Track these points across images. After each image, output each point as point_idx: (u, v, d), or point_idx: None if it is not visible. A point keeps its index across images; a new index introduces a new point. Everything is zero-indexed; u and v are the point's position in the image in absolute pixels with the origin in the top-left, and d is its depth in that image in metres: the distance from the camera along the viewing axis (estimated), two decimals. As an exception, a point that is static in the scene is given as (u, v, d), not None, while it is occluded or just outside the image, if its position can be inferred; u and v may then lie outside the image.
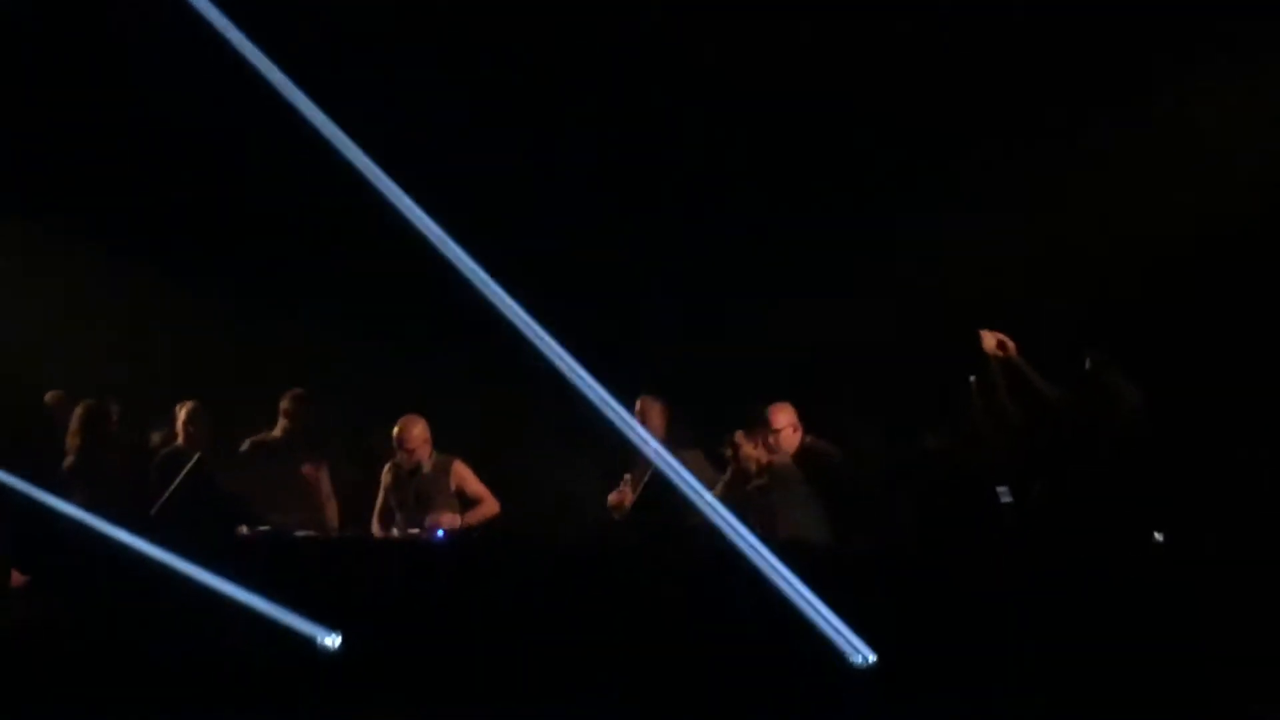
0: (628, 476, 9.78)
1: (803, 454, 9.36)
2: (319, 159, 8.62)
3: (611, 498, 9.85)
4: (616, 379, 8.89)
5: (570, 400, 8.88)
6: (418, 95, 10.80)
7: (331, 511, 10.16)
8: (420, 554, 9.25)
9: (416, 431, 9.82)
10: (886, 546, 8.71)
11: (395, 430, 9.85)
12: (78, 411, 9.84)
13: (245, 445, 10.16)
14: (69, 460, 9.75)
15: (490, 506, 9.82)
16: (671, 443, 9.59)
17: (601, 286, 10.84)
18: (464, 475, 9.89)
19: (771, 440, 9.35)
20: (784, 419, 9.41)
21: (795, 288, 10.65)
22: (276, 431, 10.17)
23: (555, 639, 8.39)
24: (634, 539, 9.23)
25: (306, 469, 10.04)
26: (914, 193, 10.46)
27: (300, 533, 9.50)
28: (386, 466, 9.94)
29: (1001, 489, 8.37)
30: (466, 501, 9.86)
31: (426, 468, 9.84)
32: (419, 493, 9.80)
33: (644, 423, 9.78)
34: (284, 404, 10.18)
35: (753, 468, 9.34)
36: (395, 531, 9.74)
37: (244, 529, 9.30)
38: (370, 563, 9.11)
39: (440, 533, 9.37)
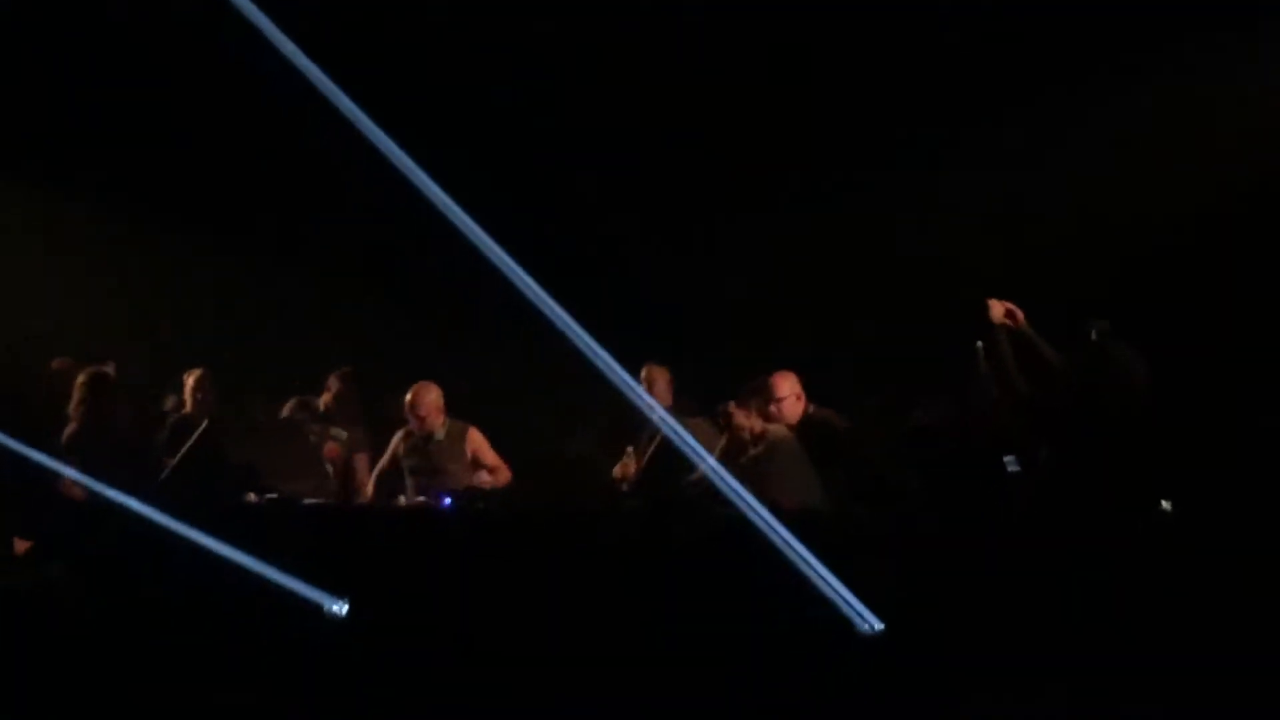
0: (631, 450, 9.76)
1: (806, 424, 9.30)
2: (333, 130, 8.07)
3: (616, 470, 9.83)
4: (622, 347, 8.55)
5: (576, 368, 8.51)
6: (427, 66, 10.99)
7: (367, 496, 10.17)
8: (428, 522, 9.23)
9: (430, 398, 9.77)
10: (893, 515, 8.64)
11: (408, 397, 9.80)
12: (81, 379, 9.79)
13: (288, 409, 10.17)
14: (72, 428, 9.69)
15: (503, 475, 9.82)
16: (677, 411, 9.58)
17: (608, 254, 10.86)
18: (479, 443, 9.87)
19: (774, 409, 9.30)
20: (787, 387, 9.35)
21: (801, 256, 10.64)
22: (320, 405, 10.19)
23: (561, 607, 8.33)
24: (640, 508, 9.21)
25: (330, 448, 9.99)
26: (920, 159, 10.50)
27: (309, 500, 9.46)
28: (400, 433, 9.88)
29: (1009, 458, 8.34)
30: (480, 470, 9.84)
31: (440, 435, 9.80)
32: (432, 460, 9.75)
33: (650, 390, 9.86)
34: (331, 380, 10.26)
35: (747, 437, 9.26)
36: (403, 499, 9.69)
37: (252, 496, 9.26)
38: (378, 531, 9.09)
39: (447, 500, 9.33)
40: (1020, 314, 8.53)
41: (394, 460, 9.93)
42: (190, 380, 9.97)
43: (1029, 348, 8.46)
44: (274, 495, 9.34)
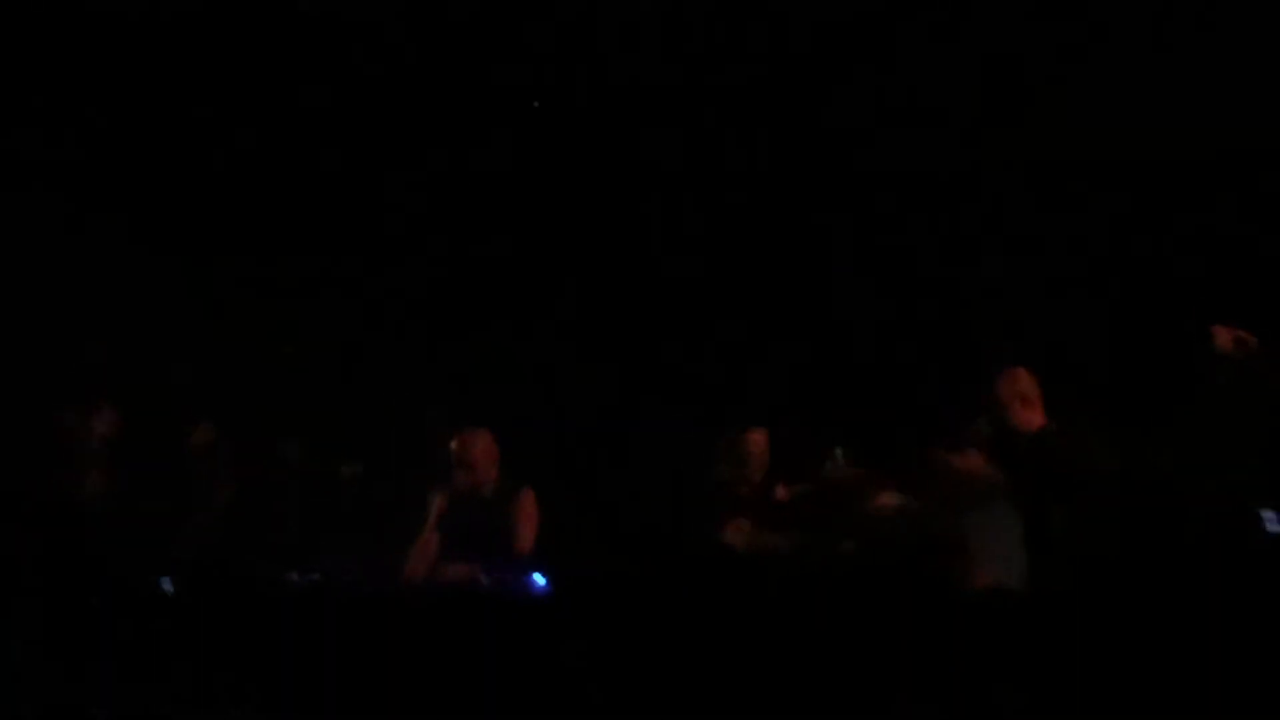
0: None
1: (1038, 446, 7.48)
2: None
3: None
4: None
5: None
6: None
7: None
8: (510, 608, 7.47)
9: (482, 446, 8.28)
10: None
11: (454, 445, 8.30)
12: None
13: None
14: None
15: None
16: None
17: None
18: (527, 514, 8.25)
19: (999, 417, 7.53)
20: (1025, 384, 7.55)
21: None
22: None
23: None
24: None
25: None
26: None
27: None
28: (439, 493, 8.36)
29: (1269, 515, 6.67)
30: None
31: (488, 493, 8.26)
32: (472, 527, 8.19)
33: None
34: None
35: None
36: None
37: (294, 575, 7.58)
38: (446, 619, 7.31)
39: (540, 578, 7.68)
40: (1252, 340, 7.22)
41: (436, 526, 8.31)
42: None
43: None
44: (316, 576, 7.63)
